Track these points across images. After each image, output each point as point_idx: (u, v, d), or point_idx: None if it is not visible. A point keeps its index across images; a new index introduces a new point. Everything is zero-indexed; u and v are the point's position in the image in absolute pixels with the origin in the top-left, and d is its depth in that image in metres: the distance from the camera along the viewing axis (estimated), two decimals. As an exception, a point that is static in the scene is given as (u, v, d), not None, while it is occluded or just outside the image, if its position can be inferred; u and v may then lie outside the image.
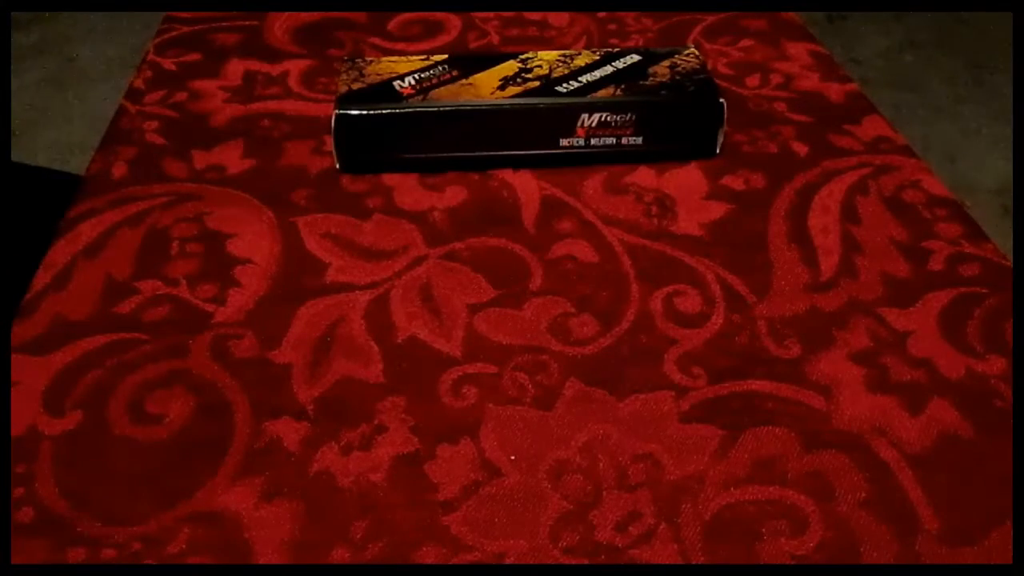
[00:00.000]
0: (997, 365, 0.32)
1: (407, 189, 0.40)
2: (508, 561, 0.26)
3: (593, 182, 0.40)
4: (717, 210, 0.39)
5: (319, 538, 0.27)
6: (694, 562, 0.26)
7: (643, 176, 0.41)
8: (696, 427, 0.29)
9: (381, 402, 0.30)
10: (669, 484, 0.28)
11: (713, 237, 0.37)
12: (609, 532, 0.26)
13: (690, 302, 0.34)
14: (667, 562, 0.26)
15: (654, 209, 0.39)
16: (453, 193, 0.39)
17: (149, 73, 0.48)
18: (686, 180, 0.40)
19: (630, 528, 0.27)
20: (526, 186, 0.40)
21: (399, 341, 0.32)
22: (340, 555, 0.26)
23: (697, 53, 0.43)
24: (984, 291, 0.35)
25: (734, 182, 0.40)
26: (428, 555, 0.26)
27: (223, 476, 0.28)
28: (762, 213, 0.39)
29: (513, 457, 0.28)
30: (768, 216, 0.38)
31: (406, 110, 0.39)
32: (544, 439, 0.29)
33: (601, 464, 0.28)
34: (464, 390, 0.30)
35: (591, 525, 0.27)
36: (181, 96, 0.46)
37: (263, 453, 0.29)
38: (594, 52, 0.43)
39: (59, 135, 1.34)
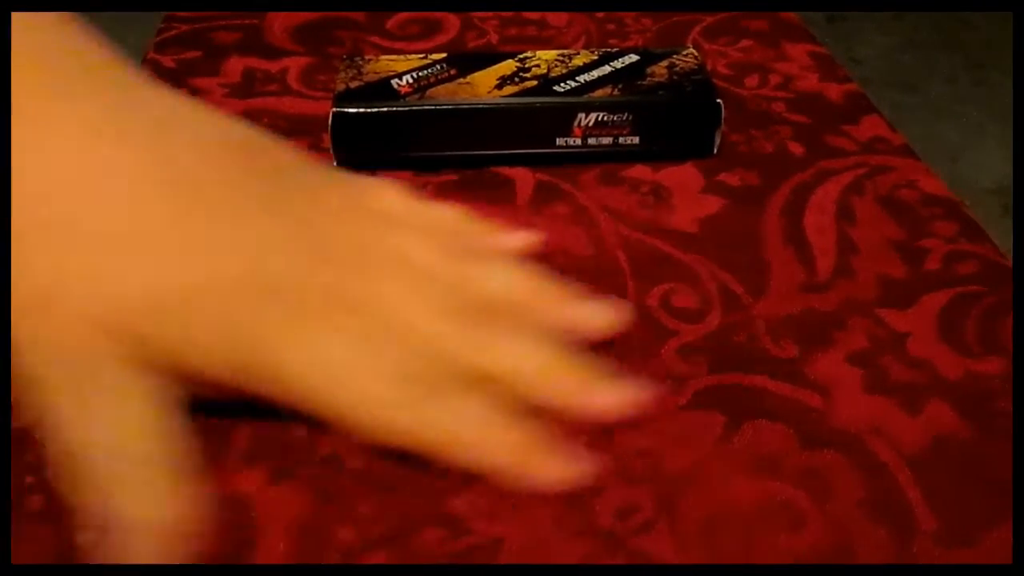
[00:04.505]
0: (996, 365, 0.32)
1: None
2: (507, 546, 0.26)
3: (588, 177, 0.40)
4: (713, 205, 0.39)
5: (325, 519, 0.27)
6: (691, 555, 0.26)
7: (639, 173, 0.41)
8: (694, 422, 0.30)
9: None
10: (667, 477, 0.28)
11: (707, 233, 0.37)
12: (608, 521, 0.27)
13: (686, 300, 0.34)
14: (664, 553, 0.26)
15: (649, 200, 0.39)
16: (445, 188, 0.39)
17: (149, 71, 0.48)
18: (682, 178, 0.40)
19: (629, 520, 0.27)
20: (522, 177, 0.40)
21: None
22: (346, 534, 0.26)
23: (696, 53, 0.43)
24: (982, 290, 0.35)
25: (730, 179, 0.40)
26: (430, 536, 0.26)
27: (232, 460, 0.28)
28: (758, 211, 0.39)
29: None
30: (763, 215, 0.38)
31: (403, 108, 0.39)
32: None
33: (603, 457, 0.28)
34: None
35: (594, 512, 0.27)
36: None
37: (271, 437, 0.29)
38: (592, 52, 0.43)
39: (59, 133, 1.35)
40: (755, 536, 0.26)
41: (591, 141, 0.40)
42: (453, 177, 0.40)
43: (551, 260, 0.36)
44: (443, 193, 0.39)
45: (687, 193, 0.39)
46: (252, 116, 0.44)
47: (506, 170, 0.40)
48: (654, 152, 0.41)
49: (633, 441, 0.29)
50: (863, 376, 0.31)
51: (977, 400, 0.30)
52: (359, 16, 0.53)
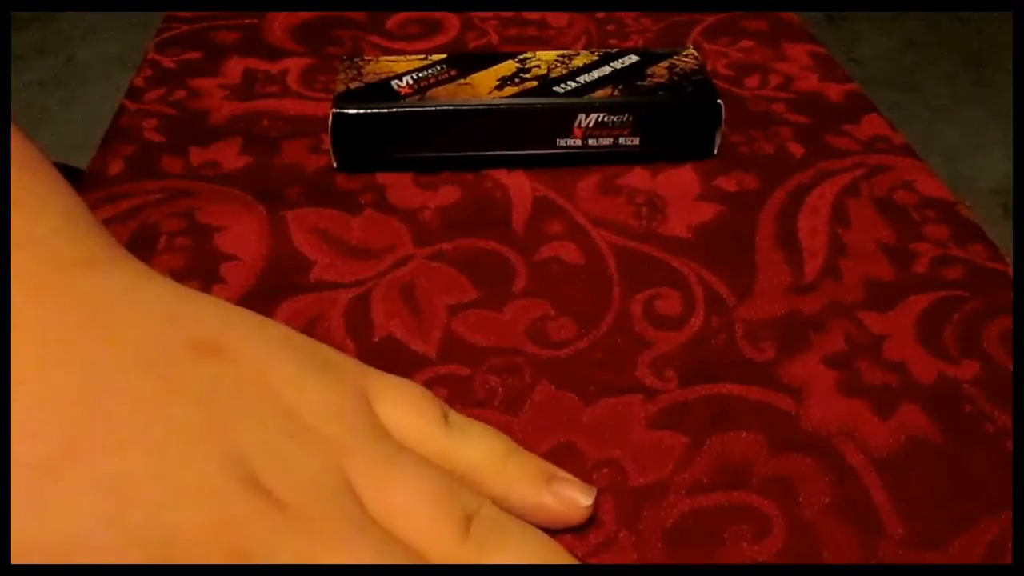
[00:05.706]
0: (970, 370, 0.31)
1: (400, 187, 0.40)
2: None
3: (587, 183, 0.40)
4: (708, 212, 0.39)
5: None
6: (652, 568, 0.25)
7: (638, 177, 0.40)
8: (663, 432, 0.29)
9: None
10: (632, 490, 0.27)
11: (701, 239, 0.37)
12: (568, 540, 0.26)
13: (671, 305, 0.34)
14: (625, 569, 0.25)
15: (644, 211, 0.38)
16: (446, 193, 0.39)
17: (149, 71, 0.48)
18: (679, 181, 0.40)
19: (590, 536, 0.26)
20: (519, 186, 0.40)
21: (375, 340, 0.32)
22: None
23: (696, 54, 0.43)
24: (965, 295, 0.34)
25: (727, 183, 0.40)
26: None
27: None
28: (752, 215, 0.38)
29: None
30: (758, 218, 0.38)
31: (403, 109, 0.39)
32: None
33: (565, 470, 0.27)
34: (433, 391, 0.29)
35: (548, 531, 0.26)
36: (180, 94, 0.46)
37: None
38: (592, 52, 0.43)
39: (59, 135, 1.35)
40: (720, 546, 0.26)
41: (591, 142, 0.40)
42: (456, 197, 0.39)
43: (543, 268, 0.36)
44: (440, 219, 0.38)
45: (683, 200, 0.39)
46: (252, 117, 0.44)
47: (504, 178, 0.40)
48: (654, 153, 0.41)
49: (596, 454, 0.28)
50: (837, 378, 0.31)
51: (948, 404, 0.30)
52: (359, 16, 0.53)
